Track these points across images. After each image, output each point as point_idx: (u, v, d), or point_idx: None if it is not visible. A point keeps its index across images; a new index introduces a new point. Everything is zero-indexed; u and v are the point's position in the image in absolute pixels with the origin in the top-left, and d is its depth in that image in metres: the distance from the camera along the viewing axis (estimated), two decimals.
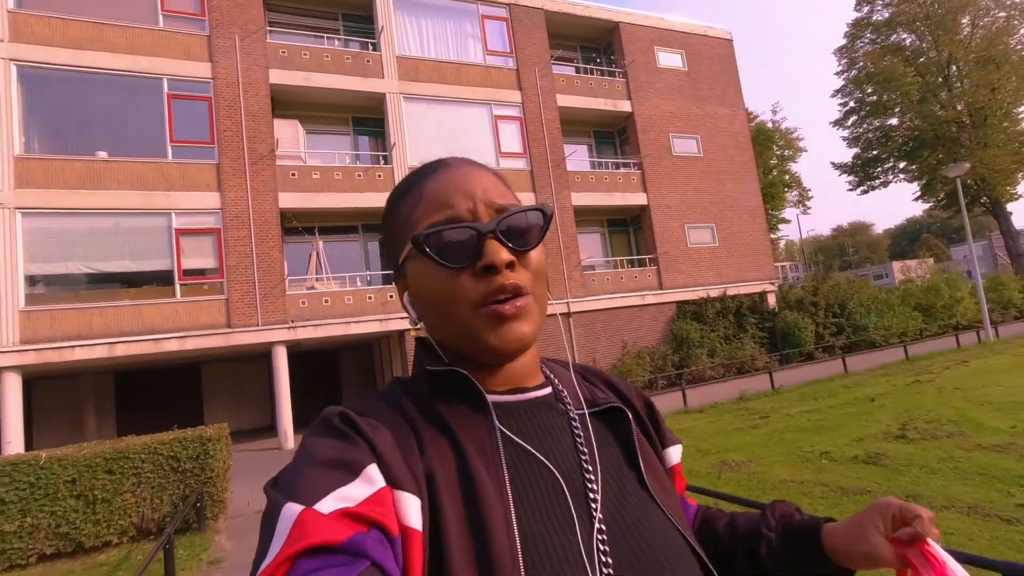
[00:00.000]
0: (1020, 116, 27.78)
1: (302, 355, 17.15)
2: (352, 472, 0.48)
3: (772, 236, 44.07)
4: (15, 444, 10.43)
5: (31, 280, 11.31)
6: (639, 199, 17.86)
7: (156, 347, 11.66)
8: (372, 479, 0.49)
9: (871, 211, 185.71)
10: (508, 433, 0.59)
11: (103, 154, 12.00)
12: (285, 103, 14.52)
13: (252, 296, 12.58)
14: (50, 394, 14.84)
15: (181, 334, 11.81)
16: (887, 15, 29.41)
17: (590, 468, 0.60)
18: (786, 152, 40.25)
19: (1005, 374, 9.46)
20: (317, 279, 14.10)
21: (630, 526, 0.57)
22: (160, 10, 12.85)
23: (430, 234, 0.58)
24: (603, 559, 0.53)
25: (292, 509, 0.45)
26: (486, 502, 0.51)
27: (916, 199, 32.33)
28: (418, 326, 0.65)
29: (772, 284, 19.12)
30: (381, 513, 0.47)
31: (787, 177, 40.08)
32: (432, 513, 0.50)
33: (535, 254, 0.62)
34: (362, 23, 16.03)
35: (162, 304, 11.87)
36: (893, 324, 18.15)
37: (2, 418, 10.47)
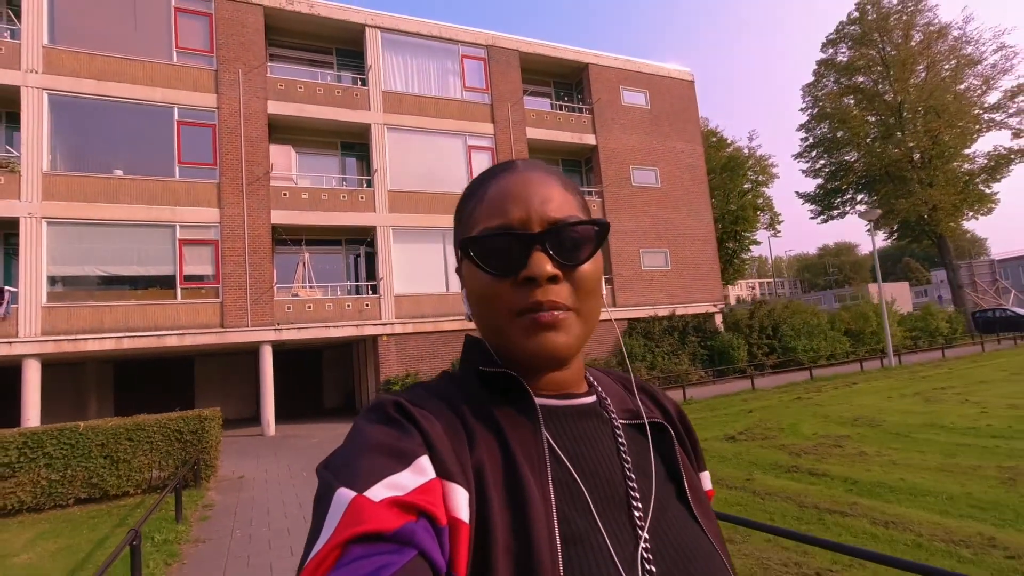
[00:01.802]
0: (963, 158, 30.14)
1: (287, 353, 18.96)
2: (404, 461, 0.49)
3: (744, 256, 46.45)
4: (32, 421, 12.18)
5: (52, 280, 13.06)
6: None
7: (158, 342, 13.43)
8: (423, 469, 0.49)
9: (862, 232, 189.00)
10: (553, 437, 0.59)
11: (119, 172, 13.81)
12: (281, 129, 16.36)
13: (244, 300, 14.38)
14: (57, 379, 16.51)
15: (180, 331, 13.60)
16: (848, 57, 31.71)
17: (633, 477, 0.60)
18: (760, 178, 42.43)
19: (867, 396, 11.43)
20: (302, 287, 15.93)
21: (672, 539, 0.58)
22: (174, 47, 14.68)
23: (476, 240, 0.60)
24: (648, 567, 0.53)
25: (345, 494, 0.46)
26: (530, 503, 0.52)
27: (868, 231, 34.52)
28: (471, 321, 0.66)
29: (715, 307, 21.10)
30: (430, 503, 0.47)
31: (760, 201, 42.26)
32: (479, 507, 0.51)
33: (587, 268, 0.61)
34: (354, 57, 17.92)
35: (164, 304, 13.66)
36: (822, 347, 20.20)
37: (24, 398, 12.22)
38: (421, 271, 16.65)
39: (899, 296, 47.81)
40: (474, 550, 0.49)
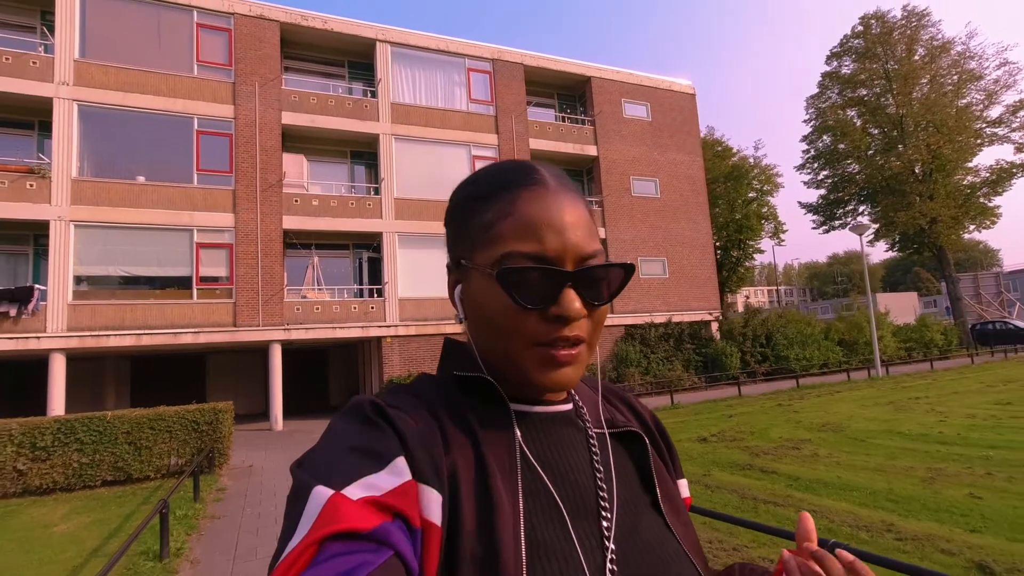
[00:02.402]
0: (966, 171, 30.50)
1: (295, 352, 19.75)
2: (381, 462, 0.49)
3: (748, 264, 46.85)
4: (57, 410, 13.03)
5: (78, 279, 13.94)
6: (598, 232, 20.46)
7: (174, 339, 14.26)
8: (400, 470, 0.49)
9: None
10: (527, 444, 0.60)
11: (141, 179, 14.67)
12: (294, 138, 17.19)
13: (255, 301, 15.19)
14: (78, 373, 17.40)
15: (195, 330, 14.42)
16: (852, 70, 32.18)
17: (604, 487, 0.61)
18: (765, 187, 42.84)
19: (843, 404, 11.99)
20: (311, 289, 16.72)
21: (641, 549, 0.58)
22: (195, 61, 15.55)
23: (515, 270, 0.57)
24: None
25: (322, 492, 0.45)
26: (498, 510, 0.52)
27: (870, 242, 34.94)
28: (460, 322, 0.65)
29: (711, 315, 21.66)
30: (406, 504, 0.47)
31: (764, 210, 42.66)
32: (451, 511, 0.51)
33: (604, 307, 0.62)
34: (365, 69, 18.72)
35: (181, 304, 14.48)
36: (815, 356, 20.70)
37: (51, 389, 13.09)
38: (424, 276, 17.39)
39: (907, 306, 48.03)
40: (443, 554, 0.49)
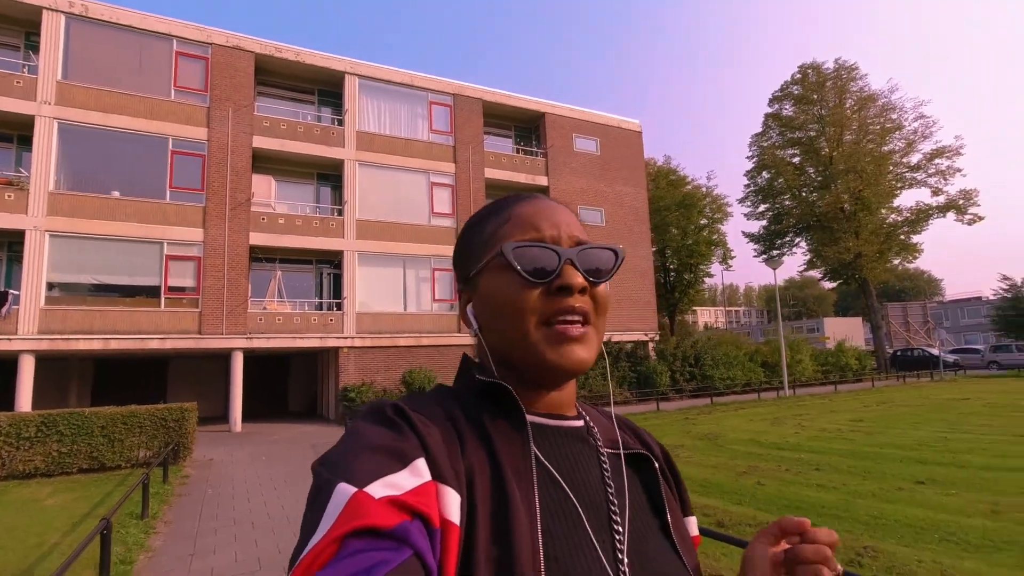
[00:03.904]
0: (891, 209, 33.62)
1: (257, 360, 20.84)
2: (402, 462, 0.50)
3: (698, 288, 49.51)
4: (24, 407, 13.93)
5: (50, 285, 14.89)
6: None
7: (141, 344, 15.30)
8: (420, 471, 0.51)
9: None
10: (541, 454, 0.61)
11: (116, 193, 15.74)
12: (263, 160, 18.47)
13: (220, 311, 16.34)
14: (43, 372, 18.13)
15: (162, 336, 15.49)
16: (791, 113, 35.17)
17: (616, 502, 0.62)
18: (716, 215, 45.61)
19: (736, 419, 13.86)
20: (273, 301, 17.94)
21: (651, 566, 0.60)
22: (173, 85, 16.76)
23: (519, 246, 0.63)
24: None
25: (345, 489, 0.47)
26: (514, 514, 0.53)
27: (802, 271, 37.85)
28: (475, 335, 0.69)
29: (646, 335, 23.61)
30: (426, 504, 0.48)
31: (715, 237, 45.39)
32: (468, 512, 0.52)
33: (602, 289, 0.66)
34: (334, 97, 20.17)
35: (149, 312, 15.55)
36: (738, 376, 22.81)
37: (19, 388, 13.99)
38: (382, 292, 18.80)
39: (854, 331, 51.29)
40: (461, 553, 0.50)
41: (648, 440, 0.79)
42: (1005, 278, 38.52)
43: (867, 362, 28.38)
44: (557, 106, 24.02)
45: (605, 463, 0.66)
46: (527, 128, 24.70)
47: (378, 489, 0.47)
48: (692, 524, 0.75)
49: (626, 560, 0.58)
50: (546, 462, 0.61)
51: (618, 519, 0.61)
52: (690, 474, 7.53)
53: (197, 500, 7.18)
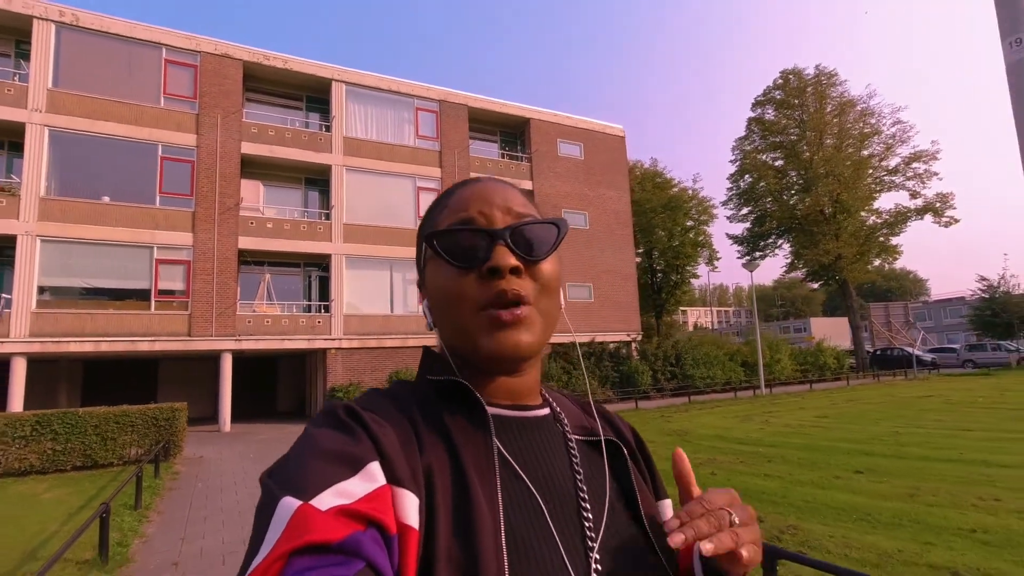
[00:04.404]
0: (871, 211, 34.45)
1: (246, 361, 21.17)
2: (353, 467, 0.49)
3: (684, 289, 50.23)
4: (16, 408, 14.24)
5: (41, 289, 15.20)
6: None
7: (131, 346, 15.64)
8: (373, 476, 0.49)
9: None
10: (504, 446, 0.60)
11: (106, 198, 16.08)
12: (252, 165, 18.84)
13: (209, 313, 16.70)
14: (32, 373, 18.39)
15: (152, 338, 15.83)
16: (773, 117, 35.94)
17: (584, 489, 0.62)
18: (702, 217, 46.33)
19: (709, 416, 14.42)
20: (262, 303, 18.32)
21: (623, 555, 0.58)
22: (162, 92, 17.10)
23: (441, 233, 0.61)
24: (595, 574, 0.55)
25: (289, 503, 0.45)
26: (476, 511, 0.52)
27: (784, 271, 38.65)
28: (430, 329, 0.67)
29: (629, 336, 24.19)
30: (379, 510, 0.47)
31: (701, 238, 46.12)
32: (428, 513, 0.51)
33: (546, 266, 0.63)
34: (322, 103, 20.57)
35: (139, 314, 15.89)
36: (718, 375, 23.44)
37: (11, 389, 14.30)
38: (369, 294, 19.23)
39: (841, 331, 52.24)
40: (421, 556, 0.49)
41: (620, 425, 0.77)
42: (982, 279, 39.47)
43: (845, 361, 29.09)
44: (542, 111, 24.54)
45: (574, 450, 0.65)
46: (512, 133, 25.21)
47: (327, 499, 0.45)
48: (666, 507, 0.73)
49: (596, 548, 0.57)
50: (510, 453, 0.60)
51: (587, 507, 0.60)
52: None
53: (187, 493, 7.61)
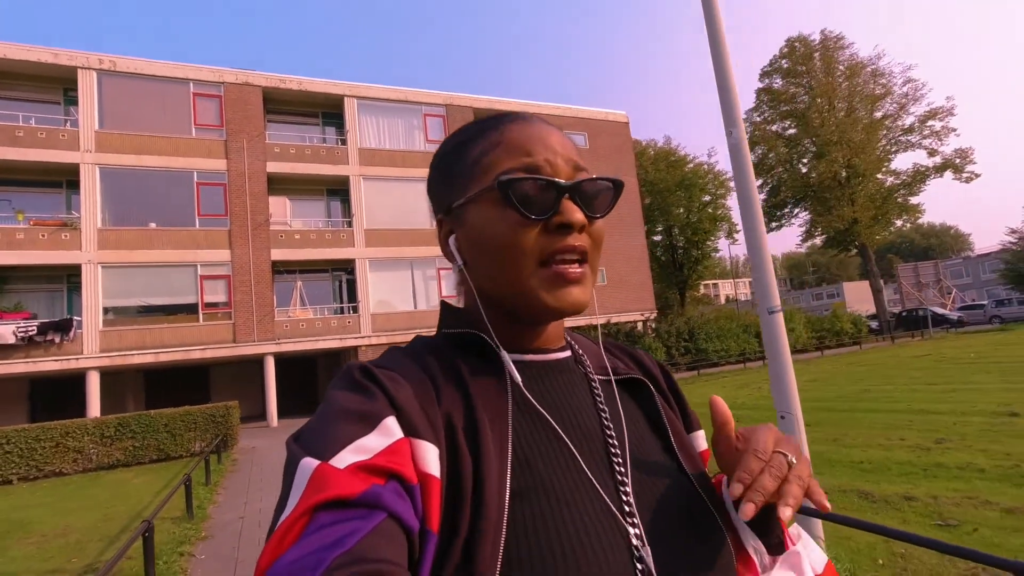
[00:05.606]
0: (888, 172, 34.26)
1: (286, 362, 23.07)
2: (370, 424, 0.49)
3: (706, 264, 50.49)
4: (94, 414, 16.28)
5: (106, 310, 17.19)
6: None
7: (185, 355, 17.55)
8: (390, 430, 0.50)
9: None
10: (528, 390, 0.60)
11: (153, 224, 17.94)
12: (277, 182, 20.49)
13: (251, 321, 18.49)
14: (103, 385, 20.63)
15: (202, 347, 17.72)
16: (781, 86, 35.91)
17: (611, 426, 0.61)
18: (719, 191, 46.44)
19: (711, 387, 15.46)
20: (296, 309, 20.06)
21: (657, 492, 0.58)
22: (193, 123, 18.84)
23: (515, 180, 0.58)
24: (631, 519, 0.54)
25: (309, 464, 0.46)
26: (485, 456, 0.52)
27: (800, 240, 38.71)
28: (458, 270, 0.66)
29: (643, 316, 25.19)
30: (398, 463, 0.47)
31: (719, 212, 46.29)
32: (449, 461, 0.52)
33: (600, 225, 0.62)
34: (336, 118, 22.06)
35: (190, 326, 17.78)
36: (732, 347, 24.26)
37: (88, 399, 16.37)
38: (393, 294, 20.78)
39: (866, 295, 51.85)
40: (444, 503, 0.49)
41: (646, 361, 0.76)
42: (1013, 231, 38.64)
43: (863, 326, 29.39)
44: (545, 106, 25.52)
45: (597, 390, 0.65)
46: None
47: (346, 456, 0.47)
48: (700, 439, 0.72)
49: (629, 483, 0.57)
50: (535, 397, 0.60)
51: (615, 444, 0.60)
52: None
53: (245, 474, 9.22)
